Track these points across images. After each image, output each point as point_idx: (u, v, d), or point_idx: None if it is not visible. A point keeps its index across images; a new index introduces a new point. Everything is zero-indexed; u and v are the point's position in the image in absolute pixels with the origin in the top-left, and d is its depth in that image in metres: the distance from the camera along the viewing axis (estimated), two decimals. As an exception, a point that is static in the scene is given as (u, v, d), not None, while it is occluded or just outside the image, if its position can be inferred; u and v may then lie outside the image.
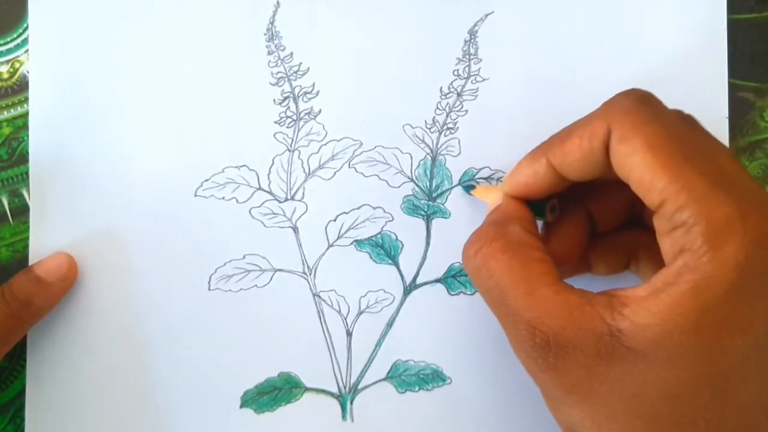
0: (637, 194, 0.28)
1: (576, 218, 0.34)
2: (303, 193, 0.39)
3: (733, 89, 0.40)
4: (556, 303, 0.27)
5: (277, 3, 0.39)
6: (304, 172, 0.39)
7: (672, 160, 0.26)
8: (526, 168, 0.32)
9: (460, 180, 0.39)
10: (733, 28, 0.40)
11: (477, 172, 0.39)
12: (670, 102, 0.39)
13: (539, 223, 0.35)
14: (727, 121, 0.39)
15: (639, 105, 0.29)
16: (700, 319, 0.25)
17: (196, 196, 0.39)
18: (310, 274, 0.39)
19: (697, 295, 0.25)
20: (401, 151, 0.39)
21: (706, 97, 0.39)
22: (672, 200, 0.26)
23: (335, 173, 0.39)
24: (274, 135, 0.39)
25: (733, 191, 0.26)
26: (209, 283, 0.39)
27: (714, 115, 0.39)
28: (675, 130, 0.28)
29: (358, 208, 0.39)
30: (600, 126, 0.29)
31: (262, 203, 0.39)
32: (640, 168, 0.27)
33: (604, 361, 0.26)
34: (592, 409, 0.27)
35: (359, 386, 0.38)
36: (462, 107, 0.39)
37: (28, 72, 0.39)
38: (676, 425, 0.26)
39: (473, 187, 0.38)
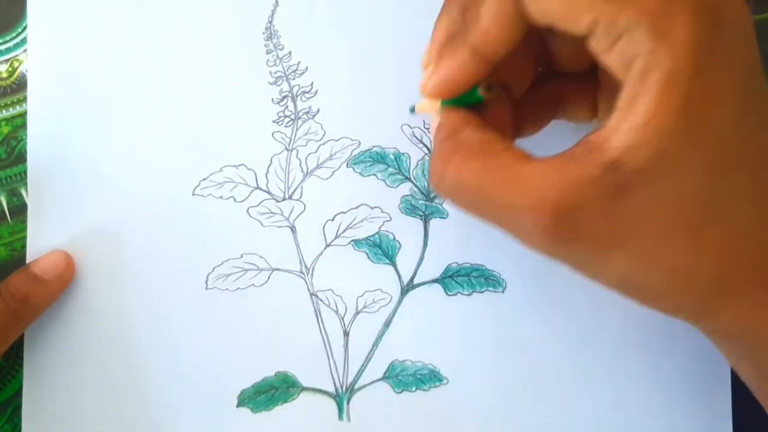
0: (564, 29, 0.26)
1: (496, 94, 0.32)
2: (301, 193, 0.39)
3: (732, 91, 0.39)
4: (542, 176, 0.26)
5: (276, 2, 0.39)
6: (302, 171, 0.39)
7: None
8: (450, 63, 0.30)
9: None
10: (732, 29, 0.39)
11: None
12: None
13: None
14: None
15: None
16: (686, 107, 0.24)
17: (193, 194, 0.39)
18: (307, 274, 0.39)
19: (672, 88, 0.24)
20: (399, 151, 0.39)
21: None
22: (603, 14, 0.25)
23: (333, 173, 0.39)
24: (273, 134, 0.39)
25: None
26: (207, 282, 0.39)
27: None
28: None
29: (356, 207, 0.39)
30: None
31: (260, 202, 0.39)
32: (559, 0, 0.26)
33: (618, 200, 0.25)
34: (634, 250, 0.26)
35: (356, 386, 0.38)
36: (460, 107, 0.39)
37: (26, 71, 0.39)
38: (710, 215, 0.26)
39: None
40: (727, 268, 0.26)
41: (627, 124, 0.25)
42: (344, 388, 0.38)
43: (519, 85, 0.33)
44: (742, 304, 0.27)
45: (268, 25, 0.39)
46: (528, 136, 0.35)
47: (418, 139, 0.39)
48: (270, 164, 0.39)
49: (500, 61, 0.29)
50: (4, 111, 0.39)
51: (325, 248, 0.39)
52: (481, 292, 0.39)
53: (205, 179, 0.39)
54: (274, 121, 0.39)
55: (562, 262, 0.28)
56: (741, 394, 0.38)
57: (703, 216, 0.26)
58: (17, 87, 0.39)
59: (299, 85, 0.39)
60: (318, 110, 0.39)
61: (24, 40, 0.39)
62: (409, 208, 0.39)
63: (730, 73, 0.25)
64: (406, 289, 0.39)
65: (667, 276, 0.27)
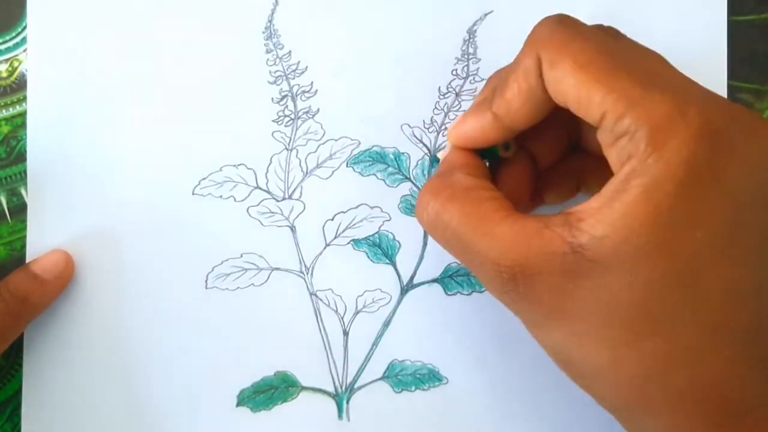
0: (578, 115, 0.28)
1: (519, 158, 0.33)
2: (301, 192, 0.39)
3: (732, 91, 0.39)
4: (514, 234, 0.27)
5: (276, 1, 0.39)
6: (302, 171, 0.39)
7: (603, 72, 0.26)
8: (472, 122, 0.31)
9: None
10: (733, 29, 0.39)
11: (475, 172, 0.39)
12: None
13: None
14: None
15: (559, 27, 0.28)
16: (655, 220, 0.25)
17: (193, 194, 0.39)
18: (307, 273, 0.39)
19: (648, 198, 0.25)
20: (399, 151, 0.39)
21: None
22: (611, 111, 0.26)
23: (333, 172, 0.39)
24: (272, 134, 0.39)
25: (668, 90, 0.26)
26: (206, 281, 0.39)
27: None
28: (600, 44, 0.28)
29: (356, 207, 0.39)
30: (530, 60, 0.28)
31: (260, 202, 0.39)
32: (575, 87, 0.27)
33: (571, 279, 0.26)
34: (571, 328, 0.27)
35: (356, 385, 0.38)
36: (460, 107, 0.39)
37: (26, 71, 0.39)
38: (652, 327, 0.26)
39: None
40: (649, 388, 0.27)
41: (602, 214, 0.26)
42: (344, 388, 0.38)
43: (547, 156, 0.34)
44: (659, 425, 0.27)
45: (268, 24, 0.39)
46: (553, 204, 0.36)
47: (418, 139, 0.39)
48: (270, 164, 0.39)
49: (522, 130, 0.31)
50: (3, 111, 0.39)
51: (325, 248, 0.39)
52: (481, 291, 0.39)
53: (204, 179, 0.39)
54: (273, 121, 0.39)
55: (514, 313, 0.29)
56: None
57: (643, 326, 0.26)
58: (17, 86, 0.39)
59: (299, 85, 0.39)
60: (318, 110, 0.39)
61: (24, 40, 0.39)
62: (409, 207, 0.39)
63: (718, 204, 0.25)
64: (406, 288, 0.39)
65: (593, 366, 0.27)
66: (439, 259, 0.39)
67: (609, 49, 0.28)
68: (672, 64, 0.29)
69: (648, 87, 0.26)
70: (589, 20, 0.39)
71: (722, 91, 0.39)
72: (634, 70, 0.27)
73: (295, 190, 0.39)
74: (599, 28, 0.30)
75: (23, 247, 0.39)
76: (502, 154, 0.32)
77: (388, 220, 0.39)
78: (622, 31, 0.39)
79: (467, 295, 0.39)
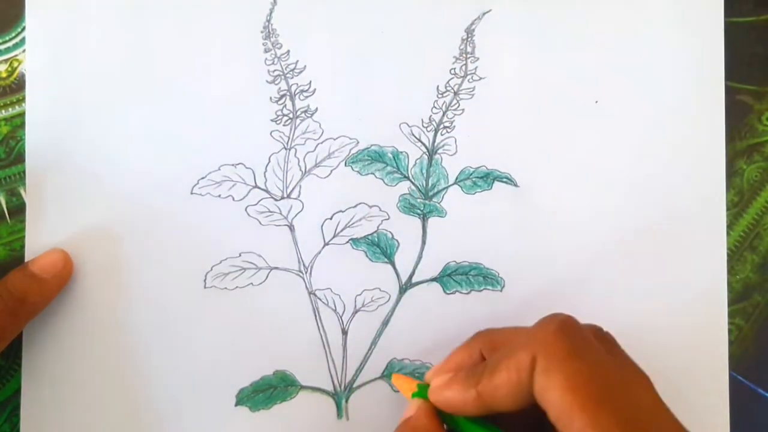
0: (554, 423, 0.28)
1: None
2: (299, 192, 0.39)
3: (731, 92, 0.40)
4: None
5: (274, 1, 0.39)
6: (301, 170, 0.39)
7: (591, 401, 0.27)
8: (456, 393, 0.31)
9: (456, 179, 0.39)
10: (730, 31, 0.40)
11: (473, 171, 0.39)
12: (668, 104, 0.39)
13: None
14: (724, 124, 0.40)
15: (560, 335, 0.29)
16: None
17: (192, 193, 0.39)
18: (305, 273, 0.39)
19: None
20: (397, 150, 0.39)
21: (703, 100, 0.39)
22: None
23: (331, 171, 0.39)
24: (271, 133, 0.39)
25: None
26: (205, 280, 0.38)
27: (711, 118, 0.40)
28: (594, 366, 0.28)
29: (354, 206, 0.39)
30: (525, 357, 0.29)
31: (258, 201, 0.39)
32: (559, 405, 0.27)
33: None
34: None
35: (354, 385, 0.38)
36: (459, 106, 0.39)
37: (25, 71, 0.39)
38: None
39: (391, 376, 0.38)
40: None
41: None
42: (342, 387, 0.38)
43: None
44: None
45: (267, 23, 0.39)
46: None
47: (417, 138, 0.39)
48: (268, 163, 0.39)
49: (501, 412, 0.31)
50: (3, 111, 0.39)
51: (324, 247, 0.39)
52: (480, 290, 0.39)
53: (203, 178, 0.39)
54: (272, 120, 0.39)
55: None
56: (739, 396, 0.38)
57: None
58: (16, 87, 0.39)
59: (297, 84, 0.39)
60: (316, 109, 0.39)
61: (23, 41, 0.39)
62: (408, 206, 0.39)
63: None
64: (405, 287, 0.39)
65: None
66: (437, 258, 0.39)
67: (602, 373, 0.28)
68: (655, 390, 0.29)
69: (628, 429, 0.26)
70: (583, 20, 0.39)
71: (720, 92, 0.40)
72: (621, 405, 0.27)
73: (293, 189, 0.39)
74: (598, 336, 0.31)
75: (22, 247, 0.39)
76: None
77: (387, 219, 0.39)
78: (621, 31, 0.40)
79: (466, 294, 0.39)
